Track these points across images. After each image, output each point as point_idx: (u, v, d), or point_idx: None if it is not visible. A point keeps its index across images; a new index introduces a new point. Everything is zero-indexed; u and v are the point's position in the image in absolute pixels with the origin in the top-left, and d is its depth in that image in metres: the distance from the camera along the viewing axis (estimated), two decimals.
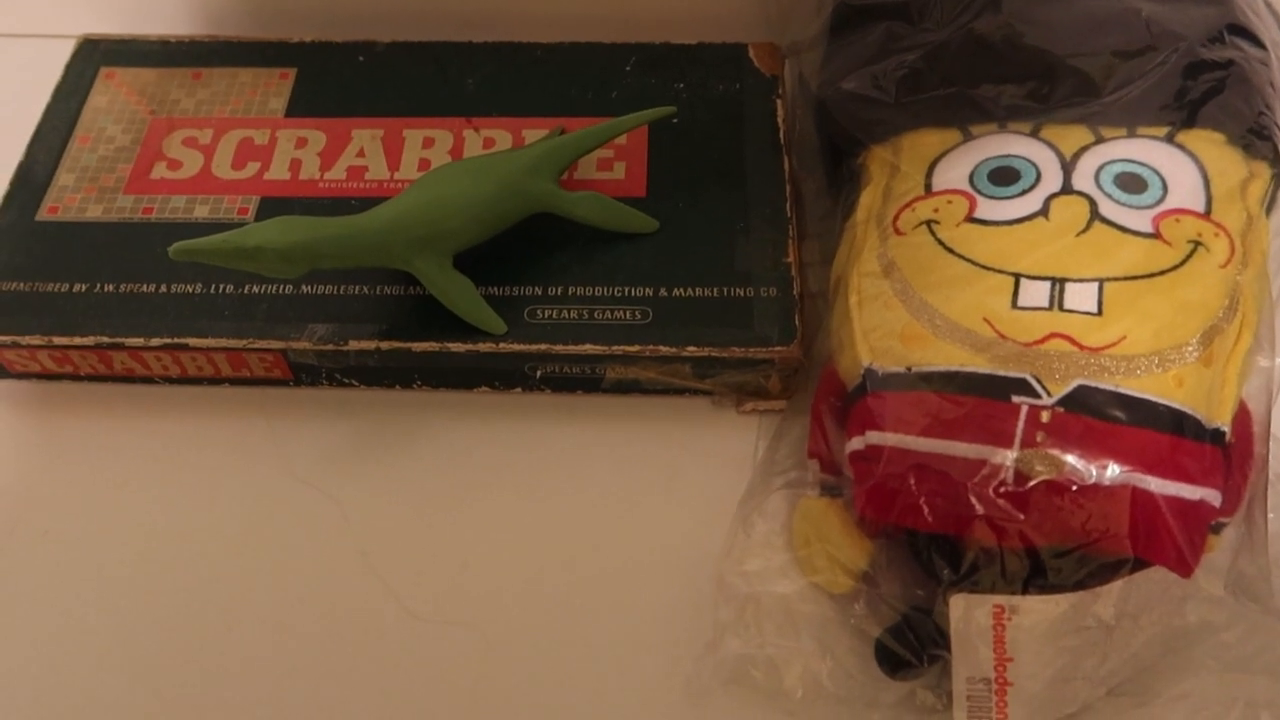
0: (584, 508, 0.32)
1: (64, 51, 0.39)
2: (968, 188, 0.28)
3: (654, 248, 0.34)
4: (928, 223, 0.28)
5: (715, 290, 0.33)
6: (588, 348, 0.32)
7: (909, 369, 0.26)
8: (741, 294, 0.33)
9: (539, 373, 0.33)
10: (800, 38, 0.38)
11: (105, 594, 0.30)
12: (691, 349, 0.32)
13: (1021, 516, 0.24)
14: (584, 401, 0.34)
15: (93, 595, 0.30)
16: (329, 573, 0.31)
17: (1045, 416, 0.25)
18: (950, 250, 0.27)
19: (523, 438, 0.33)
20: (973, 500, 0.25)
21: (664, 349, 0.32)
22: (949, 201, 0.28)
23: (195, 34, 0.40)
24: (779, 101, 0.37)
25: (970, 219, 0.28)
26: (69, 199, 0.35)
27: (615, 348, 0.32)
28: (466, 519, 0.32)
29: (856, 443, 0.27)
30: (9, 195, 0.35)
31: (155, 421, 0.34)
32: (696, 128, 0.37)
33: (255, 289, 0.33)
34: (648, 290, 0.33)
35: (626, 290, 0.33)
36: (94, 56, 0.39)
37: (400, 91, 0.38)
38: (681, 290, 0.33)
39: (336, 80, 0.38)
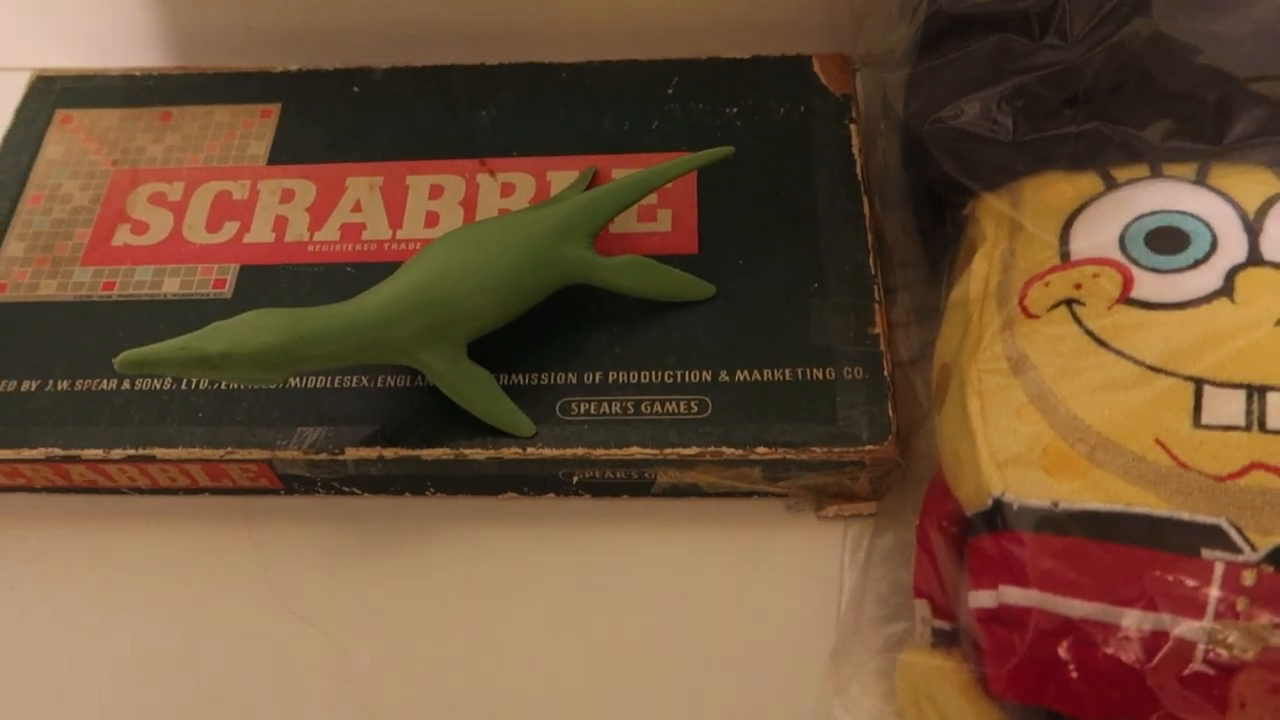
0: (636, 638, 0.26)
1: (13, 88, 0.34)
2: (1120, 256, 0.22)
3: (710, 319, 0.28)
4: (1068, 303, 0.22)
5: (787, 372, 0.27)
6: (635, 451, 0.26)
7: (1055, 504, 0.20)
8: (820, 376, 0.27)
9: (575, 478, 0.27)
10: (877, 47, 0.32)
11: None
12: (762, 450, 0.26)
13: (1219, 711, 0.18)
14: (630, 506, 0.28)
15: None
16: None
17: (1248, 577, 0.19)
18: (1102, 343, 0.21)
19: (556, 553, 0.27)
20: (1152, 688, 0.19)
21: (728, 451, 0.26)
22: (1095, 275, 0.22)
23: (164, 66, 0.34)
24: (853, 127, 0.31)
25: (1127, 299, 0.22)
26: (18, 274, 0.30)
27: (668, 450, 0.26)
28: (493, 657, 0.26)
29: (986, 598, 0.21)
30: None
31: (123, 539, 0.28)
32: (756, 163, 0.31)
33: (233, 386, 0.28)
34: (705, 374, 0.27)
35: (679, 375, 0.27)
36: (48, 97, 0.34)
37: (402, 128, 0.32)
38: (746, 373, 0.27)
39: (327, 116, 0.33)
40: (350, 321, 0.24)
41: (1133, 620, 0.19)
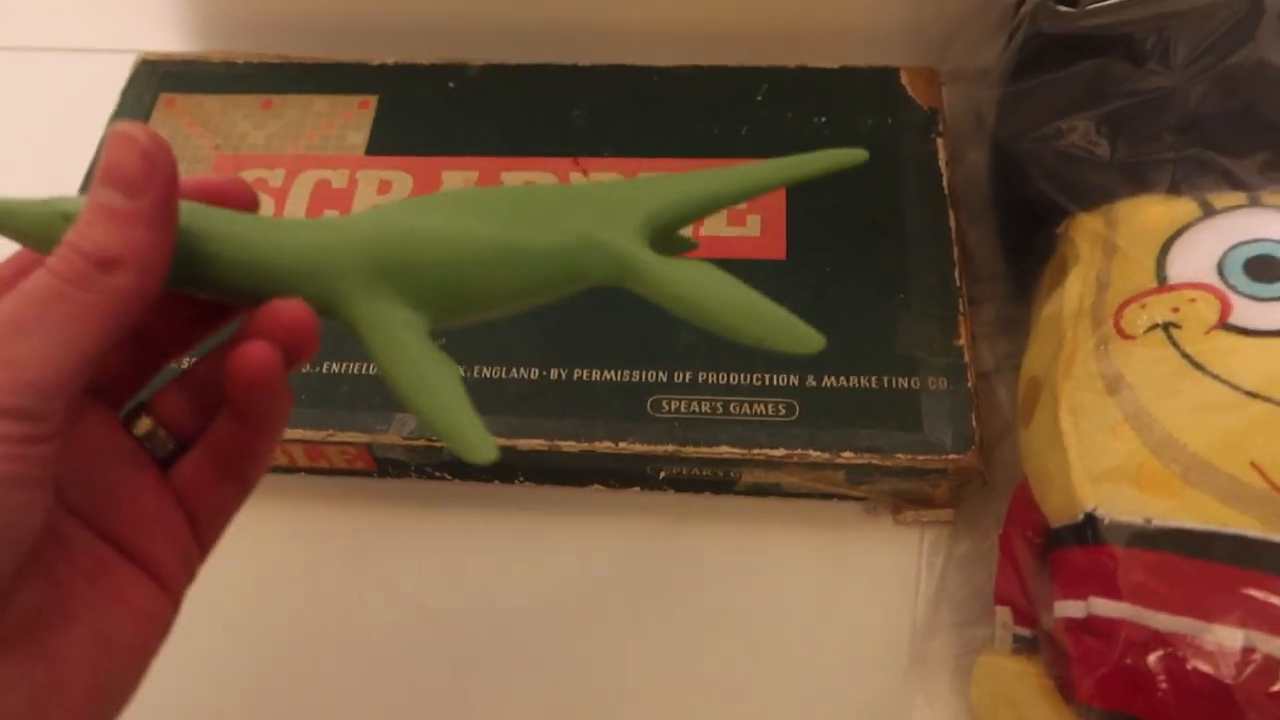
0: (714, 630, 0.27)
1: (120, 68, 0.35)
2: (1217, 282, 0.23)
3: None
4: (1165, 326, 0.23)
5: (873, 380, 0.28)
6: (724, 450, 0.27)
7: (1148, 521, 0.21)
8: (905, 385, 0.27)
9: (662, 474, 0.28)
10: (968, 63, 0.32)
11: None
12: (848, 455, 0.26)
13: None
14: (712, 502, 0.29)
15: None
16: (422, 700, 0.26)
17: None
18: (1199, 366, 0.22)
19: (640, 544, 0.28)
20: (1240, 703, 0.19)
21: (814, 454, 0.27)
22: (1193, 300, 0.23)
23: (264, 54, 0.35)
24: (940, 141, 0.32)
25: (1224, 325, 0.22)
26: None
27: (756, 451, 0.27)
28: (572, 640, 0.27)
29: (1075, 608, 0.21)
30: None
31: None
32: (842, 173, 0.31)
33: (335, 368, 0.29)
34: (792, 379, 0.28)
35: (767, 379, 0.28)
36: (152, 80, 0.35)
37: (496, 124, 0.33)
38: (833, 379, 0.28)
39: (423, 110, 0.33)
40: (283, 237, 0.17)
41: (1223, 636, 0.20)
